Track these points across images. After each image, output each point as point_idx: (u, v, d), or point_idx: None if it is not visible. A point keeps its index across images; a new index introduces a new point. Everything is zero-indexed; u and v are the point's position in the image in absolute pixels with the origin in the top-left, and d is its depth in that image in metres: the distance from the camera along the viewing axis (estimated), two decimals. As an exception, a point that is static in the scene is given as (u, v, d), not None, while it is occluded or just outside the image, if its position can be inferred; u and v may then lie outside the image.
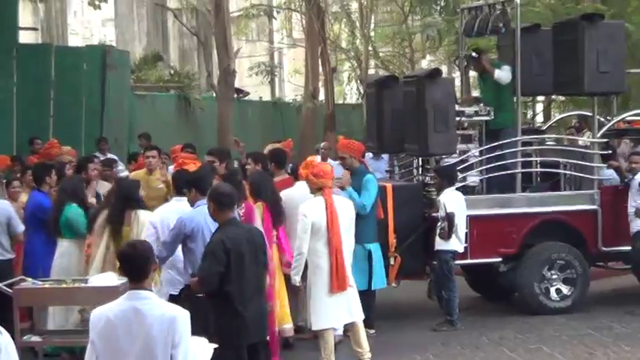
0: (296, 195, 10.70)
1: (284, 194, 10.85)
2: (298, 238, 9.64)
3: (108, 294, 8.88)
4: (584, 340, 11.16)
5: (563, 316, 12.22)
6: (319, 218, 9.54)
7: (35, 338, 9.20)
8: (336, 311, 9.64)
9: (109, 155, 16.16)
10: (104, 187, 12.28)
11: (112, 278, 9.07)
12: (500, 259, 12.51)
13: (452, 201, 11.78)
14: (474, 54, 13.56)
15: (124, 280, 9.01)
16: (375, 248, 11.28)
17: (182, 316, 5.49)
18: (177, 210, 9.13)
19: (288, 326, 10.73)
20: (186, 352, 5.46)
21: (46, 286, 9.25)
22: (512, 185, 12.67)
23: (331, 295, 9.55)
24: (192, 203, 8.95)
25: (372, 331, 11.05)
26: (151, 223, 9.34)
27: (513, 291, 12.92)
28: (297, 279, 9.71)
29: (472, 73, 15.26)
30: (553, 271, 12.43)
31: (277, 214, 10.45)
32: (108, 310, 5.52)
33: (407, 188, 12.87)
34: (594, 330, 11.62)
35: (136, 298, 5.48)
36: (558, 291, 12.46)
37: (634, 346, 10.85)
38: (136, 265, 5.51)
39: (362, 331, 9.83)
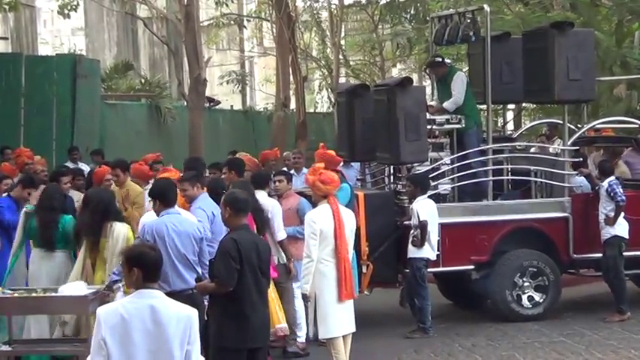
0: None
1: None
2: (307, 244, 9.45)
3: (77, 303, 8.88)
4: (557, 347, 11.19)
5: (536, 323, 12.26)
6: (327, 226, 9.38)
7: (4, 347, 9.11)
8: (342, 320, 9.53)
9: (80, 164, 16.04)
10: (77, 197, 12.16)
11: (82, 287, 9.02)
12: (472, 267, 12.53)
13: (424, 209, 11.78)
14: (437, 59, 13.52)
15: (94, 289, 9.05)
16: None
17: (195, 314, 5.63)
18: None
19: (283, 326, 10.59)
20: (199, 349, 5.61)
21: (15, 295, 9.17)
22: (484, 193, 12.70)
23: (338, 303, 9.44)
24: (157, 213, 8.92)
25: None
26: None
27: (485, 298, 12.94)
28: (307, 287, 9.45)
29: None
30: (525, 279, 12.45)
31: (262, 221, 10.36)
32: (119, 307, 5.53)
33: (379, 196, 12.88)
34: (566, 337, 11.65)
35: (150, 296, 5.53)
36: (530, 298, 12.49)
37: (606, 352, 10.90)
38: (156, 267, 5.64)
39: (349, 344, 9.71)
